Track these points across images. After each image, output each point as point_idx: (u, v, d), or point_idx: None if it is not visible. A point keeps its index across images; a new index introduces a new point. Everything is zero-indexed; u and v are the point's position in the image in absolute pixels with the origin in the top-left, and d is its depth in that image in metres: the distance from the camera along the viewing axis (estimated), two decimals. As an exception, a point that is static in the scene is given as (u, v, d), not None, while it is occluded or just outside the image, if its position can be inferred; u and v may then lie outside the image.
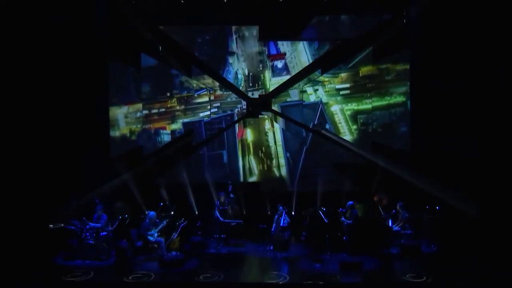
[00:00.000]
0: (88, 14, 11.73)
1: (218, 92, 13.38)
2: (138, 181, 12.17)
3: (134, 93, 13.17)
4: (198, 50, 13.17)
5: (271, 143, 13.44)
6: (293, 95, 13.24)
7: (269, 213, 12.35)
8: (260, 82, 13.28)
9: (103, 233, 10.16)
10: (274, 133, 13.38)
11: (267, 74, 13.29)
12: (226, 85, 13.09)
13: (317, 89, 13.15)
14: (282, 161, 13.40)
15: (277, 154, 13.43)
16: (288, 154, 13.33)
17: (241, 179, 13.36)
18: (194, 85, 13.35)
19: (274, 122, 13.28)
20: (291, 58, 13.22)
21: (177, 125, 13.34)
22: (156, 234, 10.10)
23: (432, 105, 11.78)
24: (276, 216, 10.98)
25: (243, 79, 13.25)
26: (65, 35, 11.42)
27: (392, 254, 10.28)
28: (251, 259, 10.29)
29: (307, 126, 13.05)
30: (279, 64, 13.29)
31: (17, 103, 10.84)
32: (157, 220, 10.42)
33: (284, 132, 13.30)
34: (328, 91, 13.12)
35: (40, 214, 10.59)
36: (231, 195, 11.93)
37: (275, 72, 13.30)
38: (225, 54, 13.23)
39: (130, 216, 10.88)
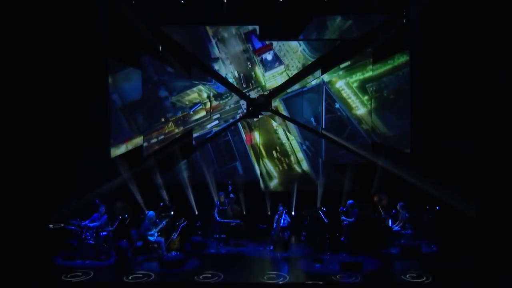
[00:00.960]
0: (88, 14, 11.72)
1: (215, 103, 13.05)
2: (138, 181, 12.17)
3: (128, 129, 12.82)
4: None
5: (284, 139, 13.07)
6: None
7: (269, 213, 12.35)
8: (253, 81, 13.03)
9: (103, 233, 10.15)
10: (284, 129, 13.06)
11: (259, 70, 13.00)
12: (226, 85, 13.01)
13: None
14: (301, 155, 13.00)
15: (293, 149, 13.03)
16: (304, 147, 12.97)
17: (262, 186, 13.06)
18: (187, 103, 13.03)
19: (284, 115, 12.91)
20: (280, 46, 12.91)
21: None
22: (156, 234, 10.09)
23: (432, 105, 11.78)
24: (276, 216, 10.97)
25: (235, 82, 13.03)
26: (65, 35, 11.40)
27: (392, 254, 10.29)
28: (251, 259, 10.28)
29: (305, 125, 12.97)
30: (268, 56, 12.94)
31: (18, 104, 10.83)
32: (157, 220, 10.41)
33: (294, 124, 12.94)
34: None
35: (40, 214, 10.59)
36: (231, 195, 11.92)
37: (266, 65, 12.96)
38: (208, 61, 12.95)
39: (130, 216, 10.87)
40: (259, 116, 13.09)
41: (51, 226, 10.31)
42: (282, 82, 12.97)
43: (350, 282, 8.64)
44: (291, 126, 13.09)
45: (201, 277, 8.85)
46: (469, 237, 10.30)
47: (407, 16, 12.19)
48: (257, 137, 13.19)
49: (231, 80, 13.04)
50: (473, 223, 10.46)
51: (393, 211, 11.01)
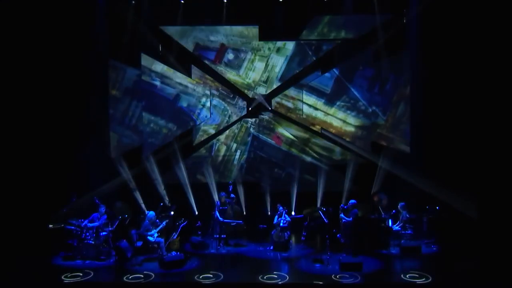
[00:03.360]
0: (88, 14, 11.73)
1: (222, 139, 12.80)
2: (138, 181, 12.16)
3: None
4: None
5: (310, 110, 12.62)
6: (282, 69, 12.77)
7: (269, 213, 12.33)
8: (235, 88, 12.86)
9: (103, 233, 10.15)
10: (304, 102, 12.68)
11: (231, 75, 12.75)
12: (226, 85, 12.94)
13: (278, 49, 12.66)
14: (336, 109, 12.61)
15: (330, 109, 12.60)
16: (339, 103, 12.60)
17: (326, 167, 12.59)
18: (204, 151, 12.82)
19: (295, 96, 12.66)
20: (230, 39, 12.58)
21: None
22: (156, 234, 10.09)
23: (432, 105, 11.77)
24: (276, 216, 10.97)
25: (219, 101, 12.81)
26: (65, 36, 11.42)
27: (392, 254, 10.29)
28: (251, 259, 10.28)
29: (304, 125, 12.94)
30: (230, 56, 12.59)
31: (18, 105, 10.86)
32: (157, 220, 10.40)
33: (312, 94, 12.67)
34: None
35: (40, 214, 10.60)
36: (232, 195, 11.91)
37: (234, 65, 12.67)
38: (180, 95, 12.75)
39: (130, 216, 10.88)
40: (259, 116, 13.02)
41: (51, 226, 10.33)
42: (264, 67, 12.70)
43: (350, 282, 8.65)
44: (309, 99, 12.74)
45: (201, 277, 8.85)
46: (469, 238, 10.30)
47: (407, 16, 12.20)
48: (284, 131, 12.76)
49: (215, 101, 12.77)
50: (473, 223, 10.47)
51: (393, 211, 11.01)
